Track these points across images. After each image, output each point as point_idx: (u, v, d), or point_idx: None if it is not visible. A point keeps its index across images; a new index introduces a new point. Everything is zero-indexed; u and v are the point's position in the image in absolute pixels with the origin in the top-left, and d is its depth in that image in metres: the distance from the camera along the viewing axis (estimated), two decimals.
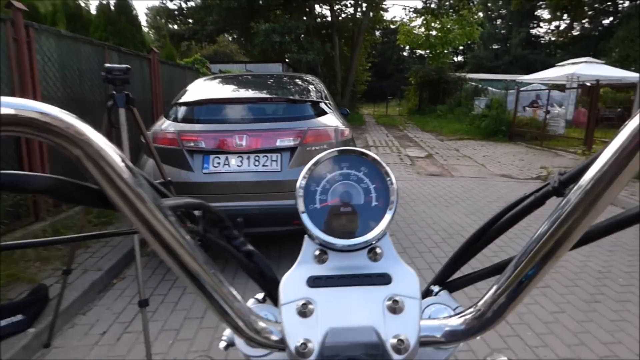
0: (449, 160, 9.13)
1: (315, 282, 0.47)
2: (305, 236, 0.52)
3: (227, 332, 0.55)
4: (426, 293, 0.58)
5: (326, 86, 4.35)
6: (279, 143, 3.13)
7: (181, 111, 3.44)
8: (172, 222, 0.34)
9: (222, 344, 0.53)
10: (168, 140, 3.19)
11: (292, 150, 3.16)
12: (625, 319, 2.62)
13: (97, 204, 0.36)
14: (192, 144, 3.13)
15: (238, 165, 3.10)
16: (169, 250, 0.35)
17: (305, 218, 0.50)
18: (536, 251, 0.35)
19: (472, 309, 0.43)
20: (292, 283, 0.47)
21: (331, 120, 3.46)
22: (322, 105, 3.62)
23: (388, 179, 0.51)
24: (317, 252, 0.50)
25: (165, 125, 3.34)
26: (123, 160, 0.31)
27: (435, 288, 0.57)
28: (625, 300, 2.85)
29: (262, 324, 0.44)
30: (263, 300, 0.58)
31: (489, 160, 9.06)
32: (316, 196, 0.51)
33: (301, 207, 0.50)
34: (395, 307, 0.44)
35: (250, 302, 0.56)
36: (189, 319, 2.67)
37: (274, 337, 0.44)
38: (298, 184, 0.51)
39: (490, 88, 18.58)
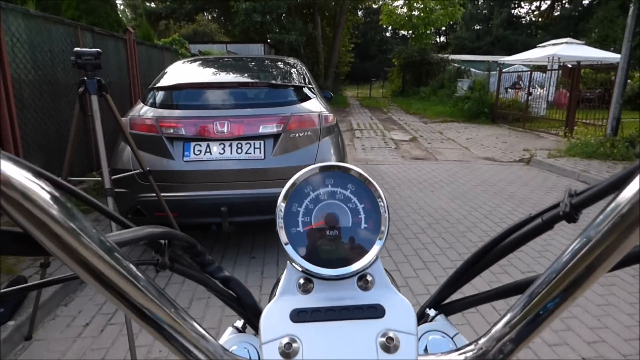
0: (433, 143, 9.16)
1: (300, 316, 0.42)
2: (288, 263, 0.47)
3: None
4: (421, 316, 0.54)
5: (309, 68, 4.24)
6: (262, 130, 3.04)
7: (159, 96, 3.30)
8: (119, 261, 0.30)
9: None
10: (146, 126, 3.05)
11: (275, 137, 3.07)
12: (612, 303, 2.66)
13: (25, 251, 0.30)
14: (171, 131, 3.00)
15: (220, 153, 3.00)
16: (118, 294, 0.31)
17: (289, 250, 0.45)
18: (559, 280, 0.31)
19: (473, 346, 0.38)
20: (274, 318, 0.42)
21: (315, 105, 3.37)
22: (306, 90, 3.52)
23: (379, 200, 0.46)
24: (302, 281, 0.45)
25: (143, 110, 3.20)
26: (53, 197, 0.26)
27: (431, 312, 0.53)
28: (610, 284, 2.90)
29: None
30: (243, 329, 0.53)
31: (472, 143, 9.13)
32: (299, 218, 0.46)
33: (283, 238, 0.45)
34: (389, 346, 0.39)
35: (229, 332, 0.51)
36: None
37: None
38: (277, 208, 0.46)
39: (472, 69, 18.67)
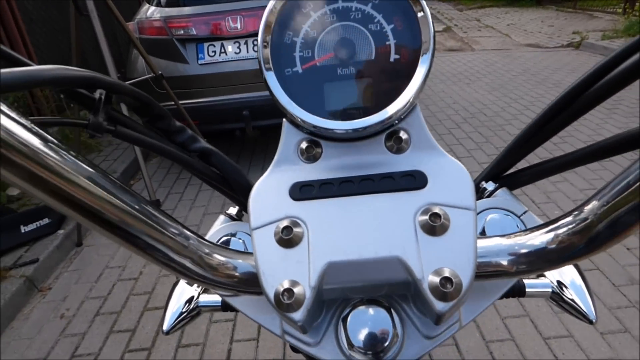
0: (469, 32, 8.36)
1: (303, 191, 0.30)
2: (284, 120, 0.33)
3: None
4: (475, 191, 0.40)
5: None
6: None
7: None
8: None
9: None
10: (155, 29, 2.85)
11: None
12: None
13: None
14: (182, 32, 2.79)
15: (236, 53, 2.79)
16: (44, 186, 0.20)
17: (273, 83, 0.31)
18: None
19: (571, 218, 0.25)
20: (268, 195, 0.30)
21: None
22: None
23: (417, 8, 0.30)
24: (304, 145, 0.32)
25: (150, 12, 2.96)
26: None
27: (489, 185, 0.39)
28: None
29: (220, 258, 0.29)
30: (238, 216, 0.41)
31: (513, 29, 8.26)
32: (295, 52, 0.31)
33: (267, 64, 0.31)
34: (434, 225, 0.26)
35: (220, 221, 0.40)
36: (207, 214, 2.70)
37: (244, 276, 0.29)
38: (261, 29, 0.31)
39: None
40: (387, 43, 0.31)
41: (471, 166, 2.95)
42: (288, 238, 0.27)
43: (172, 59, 2.84)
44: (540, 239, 0.27)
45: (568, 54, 6.06)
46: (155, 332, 1.81)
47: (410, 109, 0.31)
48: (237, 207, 0.42)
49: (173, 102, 2.43)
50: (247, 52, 2.79)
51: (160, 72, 2.22)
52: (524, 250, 0.27)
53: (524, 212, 0.36)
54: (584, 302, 0.36)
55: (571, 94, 0.31)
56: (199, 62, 2.81)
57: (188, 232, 0.28)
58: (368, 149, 0.32)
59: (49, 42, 3.89)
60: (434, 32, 0.30)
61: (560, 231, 0.26)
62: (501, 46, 6.91)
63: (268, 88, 0.31)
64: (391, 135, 0.32)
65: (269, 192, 0.30)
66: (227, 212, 0.42)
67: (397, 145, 0.31)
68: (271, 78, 0.31)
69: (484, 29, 8.63)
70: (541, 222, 0.35)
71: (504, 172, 0.40)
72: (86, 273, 2.24)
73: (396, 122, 0.31)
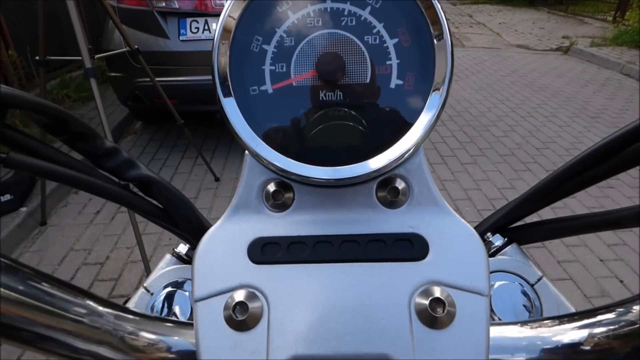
0: (460, 28, 8.32)
1: (266, 251, 0.22)
2: (246, 154, 0.25)
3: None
4: None
5: None
6: None
7: None
8: None
9: None
10: None
11: None
12: None
13: None
14: (163, 4, 2.65)
15: None
16: None
17: (231, 110, 0.24)
18: None
19: (613, 316, 0.20)
20: (220, 252, 0.23)
21: None
22: None
23: (434, 26, 0.23)
24: (272, 188, 0.24)
25: None
26: None
27: (497, 239, 0.32)
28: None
29: (149, 336, 0.21)
30: (189, 257, 0.33)
31: (505, 28, 8.26)
32: (264, 65, 0.24)
33: (224, 84, 0.24)
34: (436, 315, 0.20)
35: (165, 262, 0.32)
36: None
37: (182, 358, 0.21)
38: (215, 39, 0.24)
39: None
40: (388, 63, 0.24)
41: (455, 166, 2.92)
42: (242, 319, 0.20)
43: (152, 33, 2.69)
44: (570, 335, 0.20)
45: (556, 58, 6.09)
46: None
47: (413, 153, 0.24)
48: (187, 245, 0.34)
49: (149, 79, 2.30)
50: None
51: (136, 47, 2.08)
52: (548, 347, 0.20)
53: (539, 279, 0.29)
54: None
55: (598, 151, 0.25)
56: (181, 38, 2.68)
57: (102, 308, 0.21)
58: (354, 199, 0.24)
59: (20, 5, 3.64)
60: (452, 64, 0.23)
61: (597, 330, 0.19)
62: (491, 45, 6.90)
63: (224, 115, 0.23)
64: (385, 183, 0.25)
65: (221, 250, 0.23)
66: (175, 250, 0.33)
67: (391, 197, 0.24)
68: (229, 104, 0.23)
69: (475, 25, 8.61)
70: (557, 292, 0.29)
71: (513, 224, 0.33)
72: (49, 255, 2.12)
73: (393, 168, 0.24)
